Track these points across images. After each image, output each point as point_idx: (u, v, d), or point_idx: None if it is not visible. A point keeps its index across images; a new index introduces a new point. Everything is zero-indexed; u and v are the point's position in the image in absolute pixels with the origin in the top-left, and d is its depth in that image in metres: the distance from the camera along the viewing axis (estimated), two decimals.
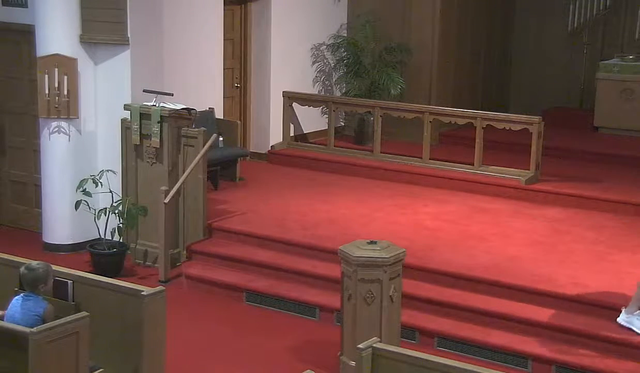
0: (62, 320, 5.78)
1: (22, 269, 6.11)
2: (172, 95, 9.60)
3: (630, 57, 13.63)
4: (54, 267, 6.72)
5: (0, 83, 10.75)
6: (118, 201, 9.48)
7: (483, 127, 11.32)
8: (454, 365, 5.29)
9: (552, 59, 14.73)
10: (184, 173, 9.47)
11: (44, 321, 5.85)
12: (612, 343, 7.42)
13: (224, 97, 11.97)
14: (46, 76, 9.62)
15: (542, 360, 7.47)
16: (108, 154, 9.97)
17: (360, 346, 5.48)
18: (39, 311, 5.96)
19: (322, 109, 13.05)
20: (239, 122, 11.96)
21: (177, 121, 9.53)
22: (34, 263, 6.15)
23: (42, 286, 6.06)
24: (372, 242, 7.13)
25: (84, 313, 5.92)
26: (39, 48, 9.74)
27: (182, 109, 9.57)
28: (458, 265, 8.53)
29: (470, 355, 7.70)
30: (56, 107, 9.72)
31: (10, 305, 6.10)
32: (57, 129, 9.85)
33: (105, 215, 9.38)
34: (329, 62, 13.42)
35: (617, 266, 8.65)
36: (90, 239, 9.71)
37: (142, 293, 6.33)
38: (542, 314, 7.80)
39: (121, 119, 9.69)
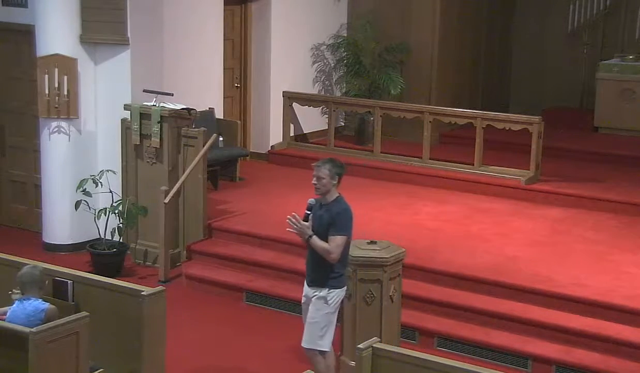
0: (62, 320, 5.78)
1: (21, 271, 6.09)
2: (172, 95, 9.60)
3: (630, 57, 13.62)
4: (54, 267, 6.75)
5: (0, 83, 10.75)
6: (118, 201, 9.48)
7: (483, 127, 11.32)
8: (454, 365, 5.29)
9: (552, 59, 14.72)
10: (184, 173, 9.47)
11: (48, 321, 5.83)
12: (612, 343, 7.43)
13: (224, 97, 11.95)
14: (46, 76, 9.62)
15: (542, 360, 7.48)
16: (108, 154, 9.96)
17: (360, 346, 5.48)
18: (41, 315, 5.91)
19: (322, 109, 13.05)
20: (239, 122, 11.96)
21: (177, 121, 9.54)
22: (29, 265, 6.16)
23: (39, 290, 6.04)
24: (372, 242, 7.13)
25: (84, 313, 5.92)
26: (39, 48, 9.74)
27: (182, 109, 9.57)
28: (458, 265, 8.52)
29: (470, 355, 7.70)
30: (56, 107, 9.71)
31: (10, 311, 6.02)
32: (57, 129, 9.84)
33: (105, 215, 9.38)
34: (329, 62, 13.41)
35: (617, 266, 8.65)
36: (90, 239, 9.71)
37: (142, 293, 6.34)
38: (542, 314, 7.80)
39: (121, 119, 9.70)
